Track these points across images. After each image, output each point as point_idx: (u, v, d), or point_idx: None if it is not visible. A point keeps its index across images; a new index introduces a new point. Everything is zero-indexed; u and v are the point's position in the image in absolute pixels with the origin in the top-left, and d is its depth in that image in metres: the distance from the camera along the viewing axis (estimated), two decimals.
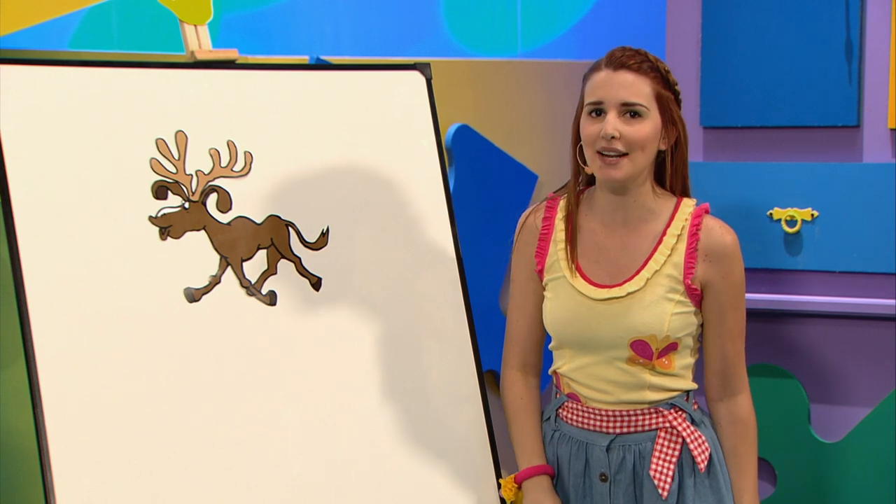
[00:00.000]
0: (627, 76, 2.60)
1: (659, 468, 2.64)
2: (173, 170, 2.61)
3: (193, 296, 2.59)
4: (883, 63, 3.15)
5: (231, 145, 2.68)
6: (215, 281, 2.62)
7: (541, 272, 2.73)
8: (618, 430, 2.67)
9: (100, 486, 2.42)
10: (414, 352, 2.78)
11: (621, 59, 2.61)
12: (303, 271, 2.71)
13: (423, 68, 2.93)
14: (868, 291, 3.18)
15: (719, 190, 3.30)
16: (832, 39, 3.19)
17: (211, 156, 2.66)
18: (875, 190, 3.15)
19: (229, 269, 2.63)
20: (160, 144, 2.61)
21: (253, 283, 2.65)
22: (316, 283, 2.72)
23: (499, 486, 2.76)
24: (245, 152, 2.69)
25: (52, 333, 2.43)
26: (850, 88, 3.18)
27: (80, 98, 2.56)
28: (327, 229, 2.75)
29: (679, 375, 2.68)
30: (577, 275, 2.68)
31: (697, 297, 2.66)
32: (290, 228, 2.71)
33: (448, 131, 3.38)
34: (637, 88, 2.59)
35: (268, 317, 2.66)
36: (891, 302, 3.14)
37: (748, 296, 3.26)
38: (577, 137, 2.68)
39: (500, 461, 2.84)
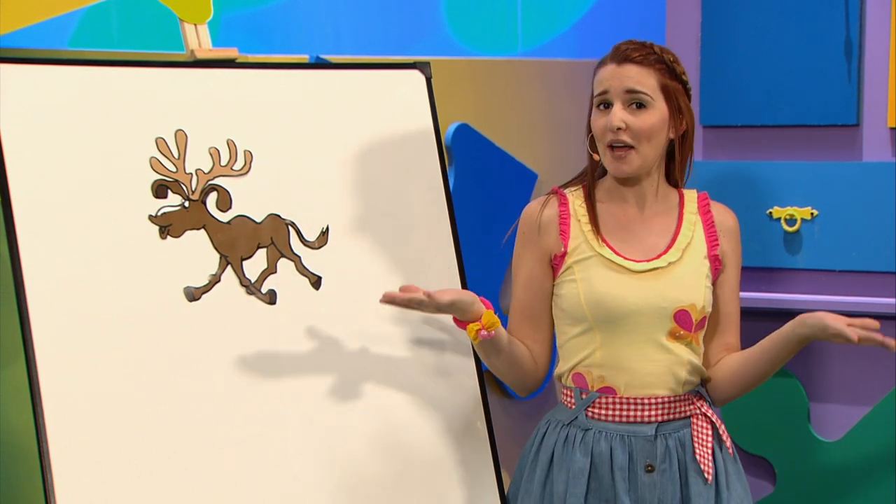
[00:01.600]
0: (632, 69, 2.65)
1: (703, 452, 2.66)
2: (173, 169, 2.61)
3: (193, 295, 2.59)
4: (882, 62, 3.15)
5: (231, 144, 2.68)
6: (215, 280, 2.62)
7: (562, 257, 2.71)
8: (660, 418, 2.67)
9: (100, 485, 2.42)
10: (414, 351, 2.78)
11: (626, 52, 2.66)
12: (303, 270, 2.71)
13: (423, 67, 2.93)
14: (868, 290, 3.18)
15: (719, 189, 3.29)
16: (832, 38, 3.19)
17: (211, 155, 2.66)
18: (875, 189, 3.15)
19: (229, 268, 2.64)
20: (160, 143, 2.61)
21: (253, 281, 2.65)
22: (316, 282, 2.72)
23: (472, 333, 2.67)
24: (245, 151, 2.70)
25: (52, 332, 2.43)
26: (849, 87, 3.18)
27: (79, 97, 2.56)
28: (327, 228, 2.75)
29: (700, 354, 2.73)
30: (610, 251, 2.69)
31: (717, 271, 2.76)
32: (289, 227, 2.71)
33: (448, 130, 3.38)
34: (641, 79, 2.65)
35: (268, 316, 2.66)
36: (891, 301, 3.14)
37: (747, 294, 3.27)
38: (590, 130, 2.74)
39: (499, 460, 2.84)
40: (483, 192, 3.42)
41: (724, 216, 2.80)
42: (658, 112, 2.65)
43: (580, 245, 2.71)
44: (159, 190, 2.59)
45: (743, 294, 3.27)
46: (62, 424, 2.41)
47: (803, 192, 3.23)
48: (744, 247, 3.24)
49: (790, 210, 3.24)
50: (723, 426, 2.73)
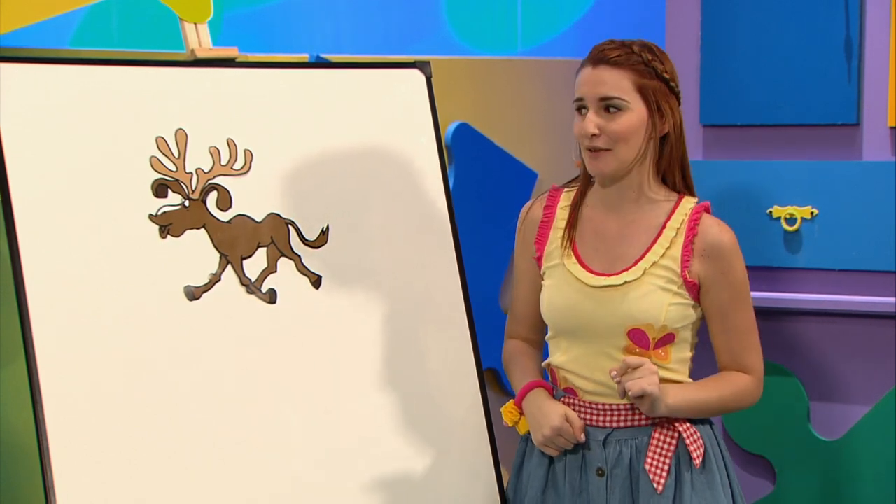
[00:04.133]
0: (605, 72, 2.62)
1: (654, 462, 2.64)
2: (173, 168, 2.61)
3: (193, 294, 2.59)
4: (882, 61, 3.15)
5: (231, 143, 2.68)
6: (215, 279, 2.62)
7: (539, 259, 2.75)
8: (614, 425, 2.67)
9: (100, 484, 2.43)
10: (414, 350, 2.78)
11: (601, 55, 2.64)
12: (303, 269, 2.71)
13: (422, 66, 2.93)
14: (868, 289, 3.18)
15: (719, 188, 3.30)
16: (832, 38, 3.19)
17: (211, 154, 2.66)
18: (875, 188, 3.15)
19: (229, 267, 2.64)
20: (160, 142, 2.61)
21: (253, 281, 2.65)
22: (316, 282, 2.72)
23: (500, 414, 2.75)
24: (245, 150, 2.70)
25: (53, 332, 2.43)
26: (849, 87, 3.18)
27: (80, 96, 2.56)
28: (327, 227, 2.76)
29: (675, 370, 2.68)
30: (575, 261, 2.69)
31: (695, 289, 2.66)
32: (289, 226, 2.71)
33: (448, 129, 3.38)
34: (615, 83, 2.61)
35: (268, 315, 2.66)
36: (890, 300, 3.14)
37: None
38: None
39: (500, 459, 2.84)
40: (483, 192, 3.43)
41: (713, 234, 2.66)
42: (634, 114, 2.62)
43: (553, 251, 2.73)
44: (159, 189, 2.59)
45: None
46: (62, 424, 2.41)
47: (803, 192, 3.23)
48: (743, 246, 3.23)
49: (790, 209, 3.24)
50: (694, 436, 2.65)
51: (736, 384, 2.69)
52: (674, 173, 2.71)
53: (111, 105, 2.58)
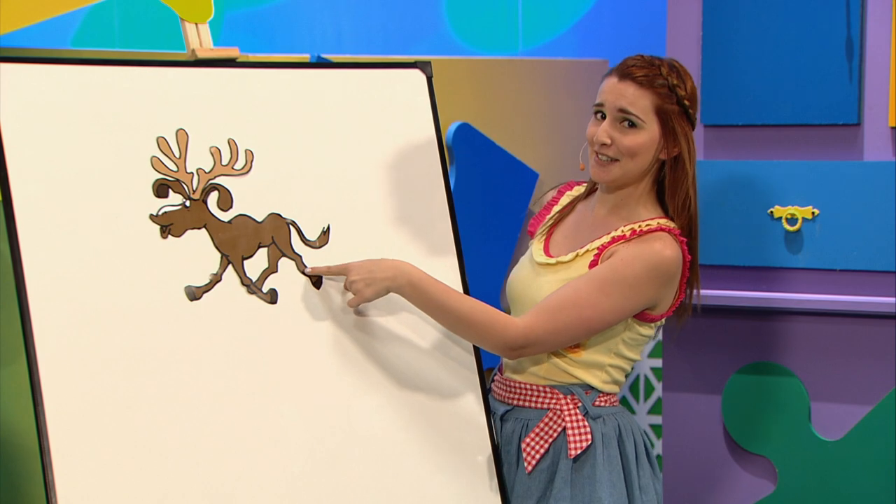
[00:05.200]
0: (629, 87, 2.69)
1: (531, 443, 2.73)
2: (174, 168, 2.61)
3: (194, 294, 2.59)
4: (883, 61, 3.15)
5: (232, 143, 2.69)
6: (216, 279, 2.62)
7: (532, 234, 2.90)
8: (515, 402, 2.78)
9: (101, 484, 2.43)
10: (414, 350, 2.78)
11: (629, 69, 2.70)
12: (304, 269, 2.71)
13: (423, 66, 2.93)
14: (868, 289, 3.18)
15: (720, 188, 3.30)
16: (833, 37, 3.19)
17: (212, 154, 2.66)
18: (875, 188, 3.15)
19: (230, 267, 2.64)
20: (161, 143, 2.61)
21: (254, 281, 2.65)
22: (317, 282, 2.72)
23: None
24: (246, 150, 2.70)
25: (53, 332, 2.43)
26: (850, 86, 3.18)
27: (81, 96, 2.56)
28: (328, 227, 2.76)
29: (585, 367, 2.74)
30: (542, 242, 2.82)
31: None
32: (290, 227, 2.71)
33: (449, 130, 3.39)
34: (636, 100, 2.68)
35: (269, 315, 2.66)
36: (891, 300, 3.13)
37: (748, 294, 3.27)
38: None
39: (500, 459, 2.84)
40: (484, 192, 3.43)
41: (649, 236, 2.70)
42: (647, 133, 2.69)
43: (539, 230, 2.88)
44: (160, 189, 2.59)
45: (743, 293, 3.28)
46: (63, 423, 2.41)
47: (804, 192, 3.23)
48: (744, 246, 3.25)
49: (791, 209, 3.24)
50: (581, 430, 2.70)
51: (491, 314, 2.67)
52: (675, 198, 2.74)
53: (112, 105, 2.58)
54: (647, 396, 4.50)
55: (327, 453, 2.65)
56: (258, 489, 2.57)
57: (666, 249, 2.68)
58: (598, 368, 2.76)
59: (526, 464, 2.73)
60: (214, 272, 2.62)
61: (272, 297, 2.67)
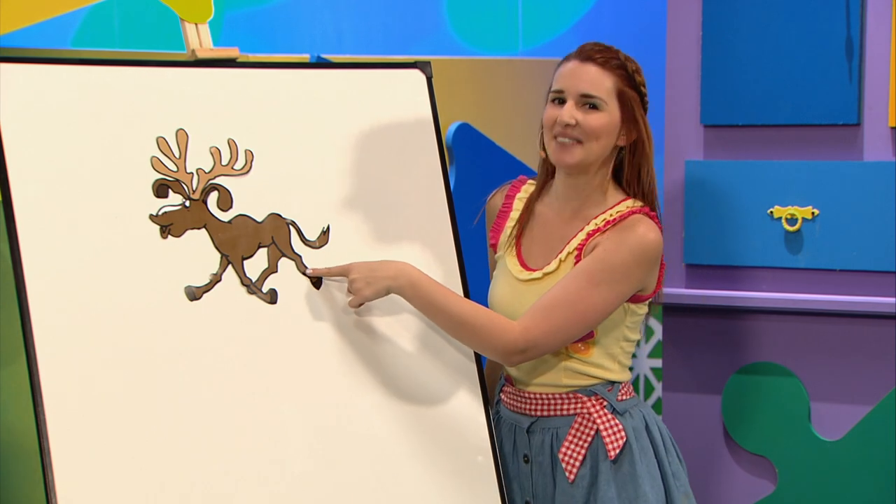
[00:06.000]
0: (591, 69, 2.70)
1: (568, 451, 2.72)
2: (174, 168, 2.62)
3: (194, 294, 2.59)
4: (883, 61, 3.15)
5: (232, 144, 2.69)
6: (216, 279, 2.62)
7: (494, 248, 2.87)
8: (539, 413, 2.76)
9: (101, 484, 2.43)
10: (414, 350, 2.78)
11: (589, 53, 2.71)
12: (304, 270, 2.71)
13: (423, 67, 2.94)
14: (868, 290, 3.18)
15: (719, 188, 3.29)
16: (832, 37, 3.19)
17: (212, 154, 2.66)
18: (875, 188, 3.15)
19: (230, 267, 2.64)
20: (161, 143, 2.61)
21: (254, 281, 2.66)
22: (317, 282, 2.72)
23: None
24: (246, 150, 2.70)
25: (53, 332, 2.43)
26: (850, 86, 3.18)
27: (81, 96, 2.56)
28: (328, 227, 2.76)
29: (598, 364, 2.75)
30: (515, 255, 2.80)
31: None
32: (290, 227, 2.72)
33: (449, 130, 3.39)
34: (598, 82, 2.69)
35: (268, 315, 2.66)
36: (891, 300, 3.13)
37: (748, 294, 3.27)
38: (540, 125, 2.80)
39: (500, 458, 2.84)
40: (484, 192, 3.43)
41: (628, 221, 2.70)
42: (609, 115, 2.70)
43: (503, 242, 2.84)
44: (160, 189, 2.59)
45: (744, 294, 3.28)
46: (63, 423, 2.41)
47: (804, 192, 3.23)
48: (744, 246, 3.24)
49: (791, 209, 3.24)
50: (614, 429, 2.71)
51: (492, 318, 2.68)
52: (632, 180, 2.76)
53: (112, 105, 2.59)
54: (647, 396, 4.51)
55: (327, 453, 2.65)
56: (258, 489, 2.57)
57: (649, 233, 2.69)
58: (612, 360, 2.76)
59: (567, 473, 2.72)
60: (214, 272, 2.62)
61: (272, 297, 2.67)
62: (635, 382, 4.54)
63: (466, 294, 2.86)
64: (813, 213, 3.22)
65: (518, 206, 2.85)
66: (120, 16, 4.12)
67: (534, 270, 2.76)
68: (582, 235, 2.74)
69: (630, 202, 2.75)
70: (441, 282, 2.81)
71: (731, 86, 3.30)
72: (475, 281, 2.98)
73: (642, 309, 2.78)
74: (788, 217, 3.24)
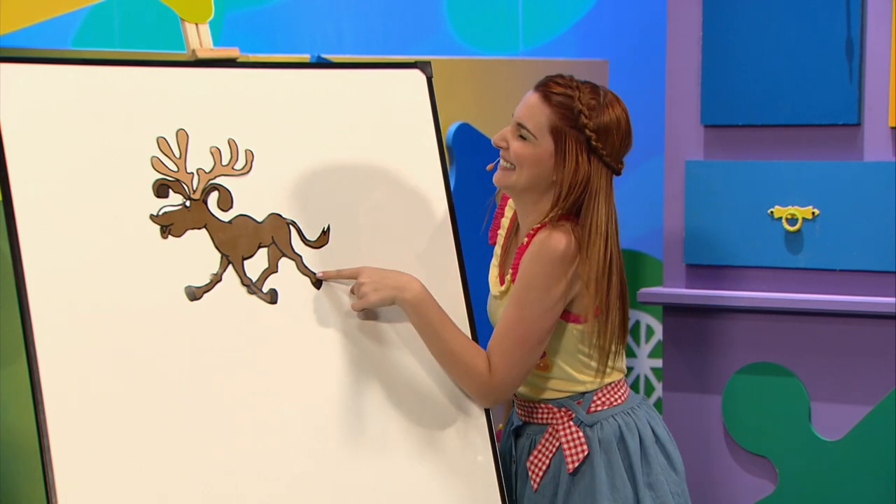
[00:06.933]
0: (533, 99, 2.70)
1: (534, 461, 2.77)
2: (174, 168, 2.62)
3: (195, 294, 2.59)
4: (883, 61, 3.16)
5: (232, 144, 2.69)
6: (216, 279, 2.62)
7: (492, 243, 2.91)
8: (525, 419, 2.82)
9: (101, 484, 2.43)
10: (415, 350, 2.78)
11: (544, 82, 2.71)
12: (304, 269, 2.71)
13: (423, 67, 2.94)
14: (868, 290, 3.18)
15: (720, 188, 3.30)
16: (833, 37, 3.19)
17: (212, 154, 2.66)
18: (876, 188, 3.16)
19: (230, 267, 2.64)
20: (161, 143, 2.61)
21: (254, 281, 2.66)
22: (317, 282, 2.72)
23: None
24: (246, 150, 2.70)
25: (54, 332, 2.43)
26: (850, 86, 3.18)
27: (81, 96, 2.56)
28: (328, 227, 2.76)
29: (560, 377, 2.75)
30: (497, 270, 2.84)
31: None
32: (291, 227, 2.71)
33: (449, 130, 3.39)
34: (533, 114, 2.68)
35: (269, 315, 2.66)
36: (891, 300, 3.14)
37: (748, 294, 3.27)
38: None
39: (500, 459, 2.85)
40: (484, 192, 3.43)
41: (539, 235, 2.69)
42: (535, 147, 2.68)
43: (495, 251, 2.88)
44: (160, 189, 2.59)
45: (744, 294, 3.28)
46: (63, 423, 2.41)
47: (804, 192, 3.23)
48: (745, 246, 3.25)
49: (791, 209, 3.24)
50: (576, 441, 2.72)
51: (474, 360, 2.71)
52: (574, 213, 2.70)
53: (112, 105, 2.59)
54: (647, 396, 4.51)
55: (327, 453, 2.65)
56: (258, 489, 2.57)
57: (550, 239, 2.66)
58: (573, 374, 2.75)
59: (532, 482, 2.76)
60: (214, 272, 2.62)
61: (272, 297, 2.67)
62: (635, 383, 4.54)
63: (466, 294, 2.86)
64: (813, 213, 3.22)
65: (508, 213, 2.88)
66: (120, 16, 4.12)
67: (503, 284, 2.81)
68: (515, 256, 2.78)
69: (546, 216, 2.71)
70: (441, 281, 2.81)
71: (731, 86, 3.30)
72: (475, 281, 2.98)
73: (589, 328, 2.71)
74: (789, 217, 3.24)
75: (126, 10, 4.13)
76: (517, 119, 2.71)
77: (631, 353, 4.52)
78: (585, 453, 2.71)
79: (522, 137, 2.70)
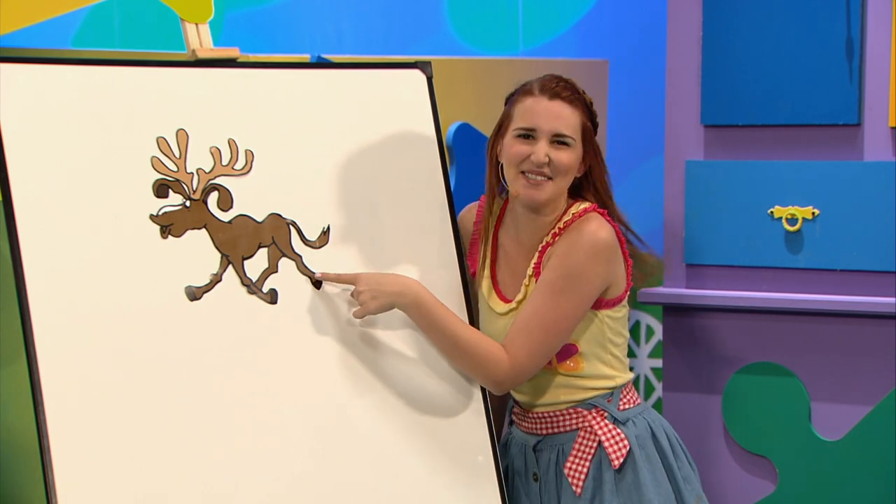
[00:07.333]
0: (562, 108, 2.72)
1: (573, 466, 2.75)
2: (174, 168, 2.62)
3: (195, 294, 2.59)
4: (884, 61, 3.15)
5: (232, 144, 2.69)
6: (216, 279, 2.62)
7: (474, 275, 2.88)
8: (544, 432, 2.80)
9: (101, 484, 2.43)
10: (415, 349, 2.78)
11: (556, 90, 2.73)
12: (304, 270, 2.72)
13: (423, 67, 2.94)
14: (868, 290, 3.18)
15: (720, 188, 3.30)
16: (833, 37, 3.19)
17: (212, 154, 2.66)
18: (876, 188, 3.15)
19: (230, 267, 2.64)
20: (161, 143, 2.61)
21: (254, 281, 2.66)
22: (317, 282, 2.72)
23: None
24: (246, 150, 2.70)
25: (54, 332, 2.43)
26: (850, 86, 3.18)
27: (81, 96, 2.56)
28: (328, 228, 2.76)
29: (593, 375, 2.77)
30: (491, 287, 2.83)
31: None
32: (291, 227, 2.72)
33: (449, 130, 3.39)
34: (569, 121, 2.72)
35: (269, 315, 2.66)
36: (891, 300, 3.14)
37: (748, 294, 3.27)
38: (494, 155, 2.80)
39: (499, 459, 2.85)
40: (483, 192, 3.43)
41: (580, 222, 2.73)
42: (576, 151, 2.73)
43: (480, 269, 2.86)
44: (160, 189, 2.60)
45: (743, 293, 3.28)
46: (63, 423, 2.41)
47: (804, 192, 3.23)
48: (745, 246, 3.25)
49: (791, 209, 3.24)
50: (616, 438, 2.74)
51: (489, 347, 2.72)
52: (590, 194, 2.80)
53: (112, 105, 2.59)
54: (647, 396, 4.51)
55: (327, 453, 2.65)
56: (258, 489, 2.57)
57: (600, 230, 2.70)
58: (606, 366, 2.78)
59: (574, 487, 2.75)
60: (214, 272, 2.62)
61: (272, 297, 2.67)
62: (636, 383, 4.54)
63: (467, 294, 2.86)
64: (813, 213, 3.22)
65: (489, 227, 2.86)
66: (120, 16, 4.12)
67: (510, 301, 2.79)
68: (536, 257, 2.77)
69: (577, 206, 2.77)
70: (441, 281, 2.82)
71: (731, 86, 3.30)
72: None
73: (619, 312, 2.79)
74: (789, 217, 3.24)
75: (126, 10, 4.12)
76: (555, 131, 2.70)
77: (631, 354, 4.51)
78: (627, 448, 2.73)
79: (565, 145, 2.71)
